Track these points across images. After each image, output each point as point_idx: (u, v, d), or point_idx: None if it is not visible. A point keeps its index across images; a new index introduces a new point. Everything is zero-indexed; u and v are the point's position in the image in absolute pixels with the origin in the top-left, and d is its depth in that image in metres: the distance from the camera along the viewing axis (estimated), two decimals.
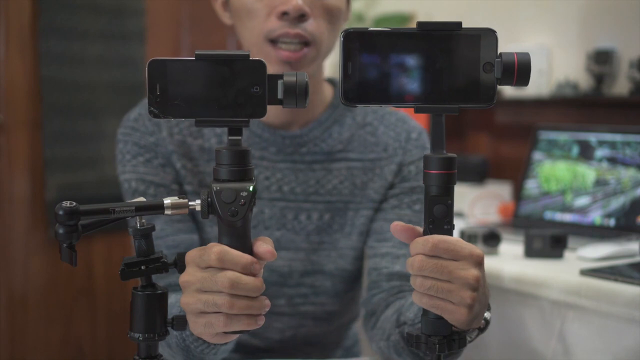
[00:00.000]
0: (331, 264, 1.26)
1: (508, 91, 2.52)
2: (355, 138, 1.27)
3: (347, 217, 1.26)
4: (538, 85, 2.48)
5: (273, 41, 1.13)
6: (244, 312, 0.81)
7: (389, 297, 1.20)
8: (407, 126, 1.28)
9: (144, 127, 1.22)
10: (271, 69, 1.12)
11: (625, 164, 1.86)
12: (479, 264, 0.83)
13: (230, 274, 0.80)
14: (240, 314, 0.81)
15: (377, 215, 1.27)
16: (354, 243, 1.27)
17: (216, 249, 0.81)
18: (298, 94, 0.81)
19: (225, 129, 0.84)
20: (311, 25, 1.13)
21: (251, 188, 0.80)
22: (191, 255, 0.84)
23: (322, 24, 1.14)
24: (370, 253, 1.27)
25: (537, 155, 2.06)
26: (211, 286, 0.81)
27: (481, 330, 0.92)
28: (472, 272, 0.82)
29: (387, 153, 1.27)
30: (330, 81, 1.32)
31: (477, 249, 0.84)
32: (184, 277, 0.84)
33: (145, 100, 1.24)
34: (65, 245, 0.80)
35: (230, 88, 0.80)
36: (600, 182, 1.90)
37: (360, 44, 0.81)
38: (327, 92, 1.28)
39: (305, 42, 1.13)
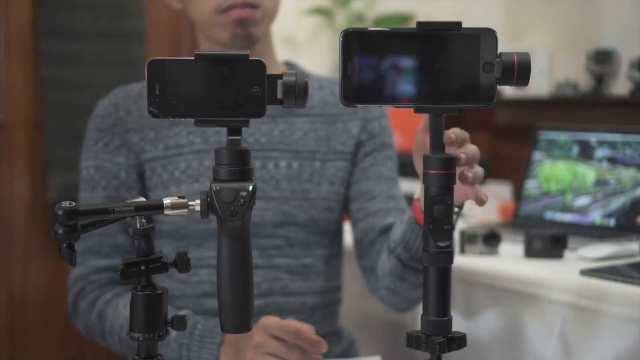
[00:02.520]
0: (303, 214, 1.31)
1: (508, 91, 2.52)
2: (314, 97, 1.36)
3: (314, 167, 1.32)
4: (538, 85, 2.48)
5: (224, 11, 1.25)
6: None
7: (382, 247, 1.28)
8: None
9: (104, 110, 1.32)
10: (227, 35, 1.26)
11: (626, 164, 1.86)
12: None
13: (300, 351, 1.10)
14: None
15: (358, 176, 1.35)
16: (324, 193, 1.33)
17: (294, 328, 1.09)
18: (297, 93, 0.81)
19: None
20: None
21: (250, 188, 0.80)
22: (269, 325, 1.10)
23: None
24: (361, 215, 1.34)
25: (537, 155, 2.06)
26: (284, 354, 1.09)
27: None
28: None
29: (348, 110, 1.37)
30: (287, 63, 1.42)
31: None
32: (255, 340, 1.10)
33: (116, 89, 1.32)
34: (64, 245, 0.80)
35: (230, 88, 0.80)
36: (600, 182, 1.89)
37: (360, 44, 0.81)
38: (282, 69, 1.38)
39: (251, 5, 1.25)
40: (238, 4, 1.24)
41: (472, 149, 0.97)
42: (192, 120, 1.30)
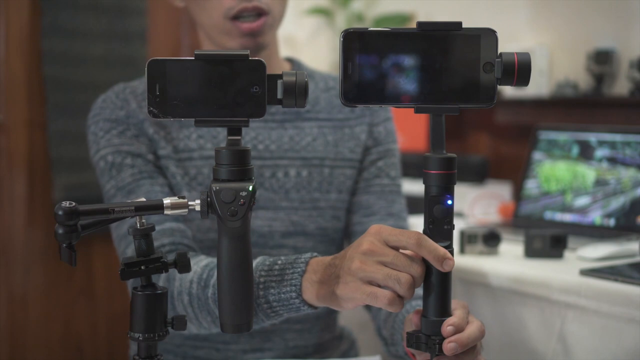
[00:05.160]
0: (312, 223, 1.29)
1: (508, 91, 2.52)
2: (320, 100, 1.34)
3: (324, 175, 1.30)
4: (538, 85, 2.48)
5: (233, 17, 1.21)
6: (407, 296, 0.87)
7: None
8: None
9: (112, 103, 1.26)
10: (234, 43, 1.23)
11: (625, 164, 1.86)
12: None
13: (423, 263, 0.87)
14: (404, 296, 0.87)
15: (361, 186, 1.33)
16: (332, 202, 1.31)
17: (416, 235, 0.86)
18: (297, 93, 0.81)
19: None
20: None
21: (250, 188, 0.80)
22: (384, 231, 0.89)
23: None
24: (358, 229, 1.33)
25: (537, 155, 2.06)
26: (403, 265, 0.87)
27: None
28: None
29: (354, 114, 1.35)
30: (290, 60, 1.38)
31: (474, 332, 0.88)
32: (365, 246, 0.89)
33: (117, 86, 1.29)
34: (64, 245, 0.80)
35: (230, 88, 0.80)
36: (600, 182, 1.89)
37: (361, 44, 0.81)
38: (286, 67, 1.35)
39: (260, 13, 1.21)
40: (249, 10, 1.20)
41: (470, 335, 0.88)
42: None
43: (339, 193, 1.31)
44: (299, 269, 0.99)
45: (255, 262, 1.05)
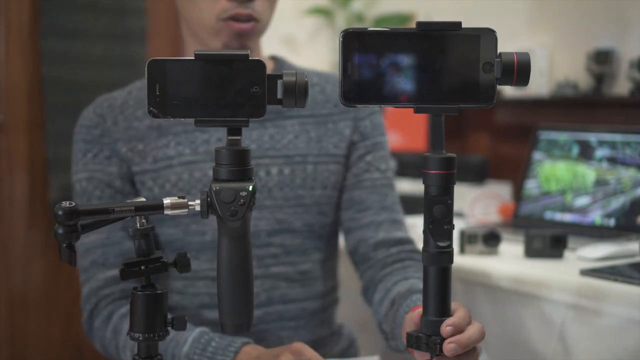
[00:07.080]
0: (298, 220, 1.29)
1: (508, 91, 2.52)
2: None
3: (307, 171, 1.30)
4: (538, 85, 2.48)
5: (225, 19, 1.23)
6: None
7: (376, 273, 1.28)
8: None
9: (89, 121, 1.29)
10: (219, 44, 1.25)
11: (625, 164, 1.86)
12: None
13: None
14: None
15: (351, 182, 1.34)
16: (317, 198, 1.31)
17: None
18: (297, 93, 0.81)
19: None
20: (259, 5, 1.24)
21: (250, 188, 0.80)
22: (304, 351, 1.05)
23: (265, 3, 1.26)
24: (353, 225, 1.33)
25: (537, 155, 2.06)
26: None
27: None
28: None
29: (338, 109, 1.34)
30: (274, 58, 1.39)
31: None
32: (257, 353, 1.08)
33: (99, 98, 1.30)
34: (64, 245, 0.80)
35: (230, 88, 0.80)
36: (600, 182, 1.90)
37: (360, 44, 0.81)
38: (269, 64, 1.36)
39: (253, 19, 1.24)
40: (242, 15, 1.22)
41: (470, 335, 0.88)
42: (179, 130, 1.29)
43: (323, 189, 1.31)
44: (228, 358, 1.12)
45: (192, 335, 1.16)
